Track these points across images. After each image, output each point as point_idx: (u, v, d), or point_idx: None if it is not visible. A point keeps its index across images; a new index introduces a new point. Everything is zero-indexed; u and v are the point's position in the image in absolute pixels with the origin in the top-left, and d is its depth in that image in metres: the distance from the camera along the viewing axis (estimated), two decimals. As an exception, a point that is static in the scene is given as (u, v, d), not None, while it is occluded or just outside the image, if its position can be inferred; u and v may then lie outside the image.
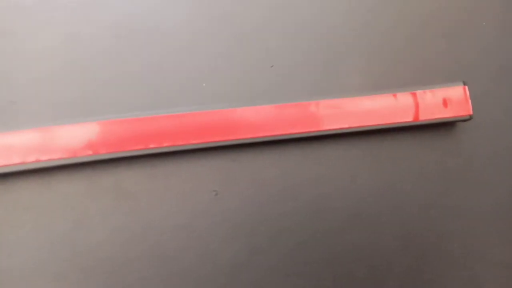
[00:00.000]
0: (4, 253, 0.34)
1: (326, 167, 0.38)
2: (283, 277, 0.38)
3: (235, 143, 0.36)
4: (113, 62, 0.36)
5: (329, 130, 0.36)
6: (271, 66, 0.38)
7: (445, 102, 0.37)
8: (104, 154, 0.33)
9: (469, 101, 0.38)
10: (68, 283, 0.35)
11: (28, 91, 0.35)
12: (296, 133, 0.35)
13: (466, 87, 0.38)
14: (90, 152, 0.33)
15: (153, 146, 0.33)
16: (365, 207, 0.39)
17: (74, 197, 0.35)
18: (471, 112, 0.38)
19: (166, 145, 0.34)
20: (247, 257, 0.37)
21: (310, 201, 0.38)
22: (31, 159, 0.32)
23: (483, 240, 0.41)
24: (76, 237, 0.35)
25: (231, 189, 0.37)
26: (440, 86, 0.38)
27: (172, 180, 0.36)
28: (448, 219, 0.40)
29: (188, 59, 0.37)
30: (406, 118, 0.37)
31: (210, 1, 0.38)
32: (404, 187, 0.40)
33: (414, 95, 0.37)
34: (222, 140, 0.35)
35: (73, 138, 0.33)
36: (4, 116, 0.34)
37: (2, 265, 0.34)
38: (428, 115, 0.37)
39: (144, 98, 0.36)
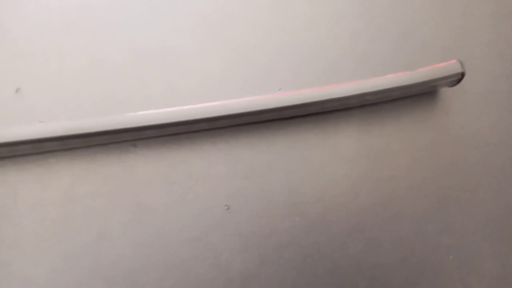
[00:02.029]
0: (31, 263, 0.36)
1: (331, 184, 0.41)
2: (290, 287, 0.40)
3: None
4: (133, 83, 0.38)
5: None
6: (279, 89, 0.40)
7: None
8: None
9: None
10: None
11: (54, 111, 0.37)
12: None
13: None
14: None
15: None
16: (366, 222, 0.41)
17: (97, 211, 0.37)
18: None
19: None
20: (257, 268, 0.39)
21: (315, 216, 0.40)
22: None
23: (476, 253, 0.43)
24: (99, 248, 0.37)
25: (242, 204, 0.39)
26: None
27: (187, 195, 0.38)
28: (443, 233, 0.43)
29: (201, 81, 0.39)
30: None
31: (220, 28, 0.40)
32: (401, 203, 0.42)
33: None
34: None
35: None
36: (32, 133, 0.36)
37: (29, 274, 0.36)
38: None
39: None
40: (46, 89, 0.37)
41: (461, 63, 0.39)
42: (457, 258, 0.43)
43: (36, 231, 0.36)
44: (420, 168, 0.42)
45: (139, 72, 0.38)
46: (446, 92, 0.43)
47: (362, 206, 0.41)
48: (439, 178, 0.43)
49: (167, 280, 0.38)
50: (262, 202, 0.40)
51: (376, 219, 0.41)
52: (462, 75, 0.39)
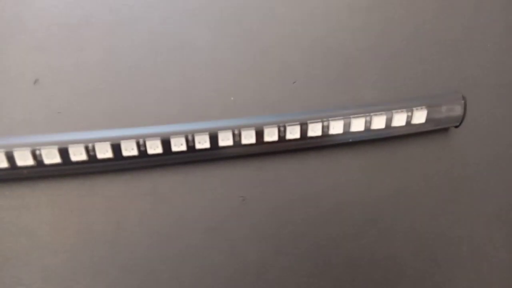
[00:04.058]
0: (50, 252, 0.36)
1: (344, 175, 0.41)
2: (305, 277, 0.41)
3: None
4: (149, 76, 0.38)
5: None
6: (294, 82, 0.40)
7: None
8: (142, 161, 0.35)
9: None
10: (108, 280, 0.37)
11: (72, 102, 0.37)
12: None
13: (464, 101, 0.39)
14: (128, 159, 0.35)
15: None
16: (379, 213, 0.42)
17: (115, 200, 0.37)
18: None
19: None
20: (272, 258, 0.40)
21: (329, 207, 0.41)
22: (75, 164, 0.34)
23: (488, 244, 0.44)
24: (117, 237, 0.37)
25: (257, 195, 0.39)
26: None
27: (204, 186, 0.38)
28: (456, 224, 0.44)
29: (217, 74, 0.39)
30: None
31: (236, 22, 0.39)
32: (414, 195, 0.43)
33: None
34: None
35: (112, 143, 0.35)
36: (52, 125, 0.36)
37: (48, 263, 0.36)
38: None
39: (177, 110, 0.38)
40: (64, 81, 0.37)
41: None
42: (470, 248, 0.44)
43: (55, 221, 0.36)
44: (433, 160, 0.43)
45: (155, 65, 0.38)
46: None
47: (375, 198, 0.42)
48: (451, 170, 0.43)
49: (184, 269, 0.38)
50: (277, 194, 0.40)
51: (389, 210, 0.42)
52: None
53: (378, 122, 0.37)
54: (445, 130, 0.41)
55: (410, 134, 0.39)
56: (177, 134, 0.35)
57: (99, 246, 0.37)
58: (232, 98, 0.39)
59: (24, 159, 0.34)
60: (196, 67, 0.38)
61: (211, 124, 0.36)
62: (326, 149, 0.40)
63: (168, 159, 0.36)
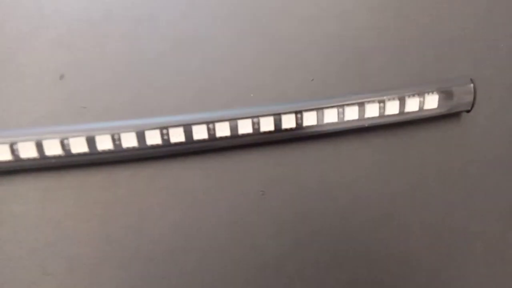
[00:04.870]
0: (74, 242, 0.37)
1: (360, 165, 0.42)
2: (323, 270, 0.41)
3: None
4: (170, 70, 0.39)
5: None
6: (312, 80, 0.41)
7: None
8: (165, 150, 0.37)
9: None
10: (132, 271, 0.38)
11: (97, 97, 0.38)
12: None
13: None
14: (150, 151, 0.36)
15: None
16: (395, 208, 0.42)
17: (138, 193, 0.38)
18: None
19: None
20: (291, 252, 0.40)
21: (346, 202, 0.41)
22: (101, 154, 0.35)
23: (502, 240, 0.44)
24: (140, 229, 0.38)
25: (277, 189, 0.40)
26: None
27: (224, 180, 0.39)
28: (470, 220, 0.44)
29: (236, 70, 0.40)
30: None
31: (254, 19, 0.41)
32: (430, 190, 0.43)
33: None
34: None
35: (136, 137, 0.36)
36: (77, 120, 0.37)
37: (73, 253, 0.37)
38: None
39: (197, 100, 0.40)
40: (88, 75, 0.38)
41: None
42: (483, 245, 0.44)
43: (79, 212, 0.37)
44: (448, 157, 0.43)
45: (176, 60, 0.39)
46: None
47: (392, 193, 0.42)
48: (466, 167, 0.44)
49: (206, 261, 0.38)
50: (296, 188, 0.41)
51: (405, 205, 0.42)
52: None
53: (392, 107, 0.39)
54: (456, 115, 0.42)
55: (423, 119, 0.40)
56: (198, 122, 0.37)
57: (122, 238, 0.38)
58: (251, 95, 0.40)
59: (52, 149, 0.35)
60: (215, 62, 0.40)
61: (231, 112, 0.37)
62: (341, 137, 0.41)
63: (190, 148, 0.37)
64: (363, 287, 0.41)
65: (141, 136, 0.36)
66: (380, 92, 0.39)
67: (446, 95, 0.40)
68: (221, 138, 0.37)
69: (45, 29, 0.38)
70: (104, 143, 0.35)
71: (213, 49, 0.40)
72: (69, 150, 0.35)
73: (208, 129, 0.37)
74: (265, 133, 0.38)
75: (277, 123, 0.37)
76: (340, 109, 0.38)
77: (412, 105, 0.39)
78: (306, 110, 0.38)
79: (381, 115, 0.39)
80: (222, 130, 0.37)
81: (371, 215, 0.42)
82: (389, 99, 0.39)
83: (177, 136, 0.36)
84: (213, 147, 0.38)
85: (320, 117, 0.38)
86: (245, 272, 0.39)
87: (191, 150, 0.37)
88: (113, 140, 0.36)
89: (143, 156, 0.37)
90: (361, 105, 0.38)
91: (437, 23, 0.43)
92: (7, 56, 0.37)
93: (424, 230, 0.43)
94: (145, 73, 0.38)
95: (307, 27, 0.41)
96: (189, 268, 0.38)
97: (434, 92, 0.39)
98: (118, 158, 0.37)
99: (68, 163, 0.36)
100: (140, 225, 0.38)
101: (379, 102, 0.38)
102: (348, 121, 0.38)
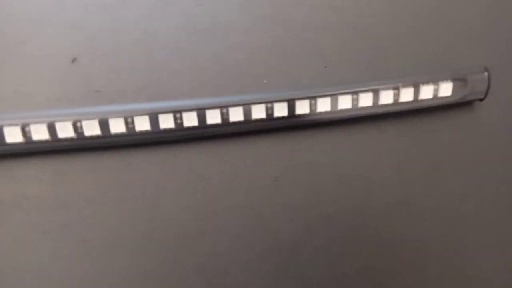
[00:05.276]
0: (87, 227, 0.37)
1: (374, 151, 0.42)
2: (337, 256, 0.41)
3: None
4: (184, 55, 0.39)
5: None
6: (325, 67, 0.41)
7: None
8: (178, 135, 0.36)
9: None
10: (145, 254, 0.38)
11: (110, 81, 0.38)
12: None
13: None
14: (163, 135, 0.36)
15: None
16: (409, 196, 0.42)
17: (151, 177, 0.38)
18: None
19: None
20: (305, 237, 0.40)
21: (360, 189, 0.41)
22: (114, 137, 0.35)
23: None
24: (152, 213, 0.38)
25: (290, 175, 0.40)
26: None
27: (238, 165, 0.39)
28: (483, 209, 0.44)
29: (250, 56, 0.40)
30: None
31: (269, 5, 0.41)
32: (443, 179, 0.43)
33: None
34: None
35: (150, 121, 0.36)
36: (91, 104, 0.37)
37: (86, 237, 0.37)
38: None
39: (211, 85, 0.39)
40: (102, 59, 0.38)
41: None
42: (496, 232, 0.44)
43: (93, 196, 0.37)
44: (460, 144, 0.43)
45: (191, 45, 0.39)
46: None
47: (405, 180, 0.42)
48: (480, 156, 0.44)
49: (219, 245, 0.39)
50: (309, 175, 0.41)
51: (419, 193, 0.43)
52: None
53: (406, 95, 0.38)
54: (469, 103, 0.42)
55: (436, 107, 0.40)
56: (212, 106, 0.36)
57: (136, 221, 0.38)
58: (265, 81, 0.40)
59: (65, 131, 0.35)
60: (230, 47, 0.39)
61: (245, 97, 0.37)
62: (355, 124, 0.41)
63: (203, 132, 0.37)
64: (376, 274, 0.41)
65: (154, 120, 0.36)
66: (394, 79, 0.39)
67: (460, 83, 0.40)
68: (235, 123, 0.37)
69: (59, 13, 0.37)
70: (117, 126, 0.35)
71: (228, 34, 0.39)
72: (82, 133, 0.35)
73: (222, 114, 0.36)
74: (278, 118, 0.37)
75: (291, 108, 0.37)
76: (355, 96, 0.38)
77: (426, 92, 0.39)
78: (320, 96, 0.38)
79: (395, 102, 0.39)
80: (236, 115, 0.37)
81: (384, 202, 0.42)
82: (403, 86, 0.38)
83: (190, 120, 0.36)
84: (227, 132, 0.38)
85: (334, 104, 0.38)
86: (258, 257, 0.39)
87: (205, 134, 0.37)
88: (126, 123, 0.35)
89: (156, 140, 0.37)
90: (376, 92, 0.38)
91: (453, 12, 0.43)
92: (20, 39, 0.36)
93: (437, 217, 0.43)
94: (159, 57, 0.38)
95: (321, 14, 0.41)
96: (202, 252, 0.38)
97: (448, 80, 0.39)
98: (131, 142, 0.36)
99: (81, 146, 0.35)
100: (153, 209, 0.38)
101: (394, 89, 0.38)
102: (362, 108, 0.38)
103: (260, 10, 0.40)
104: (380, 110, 0.39)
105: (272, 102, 0.37)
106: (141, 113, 0.36)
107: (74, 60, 0.38)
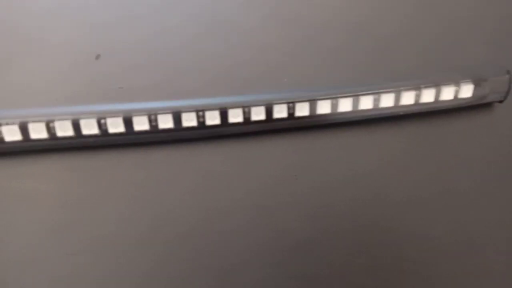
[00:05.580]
0: (98, 223, 0.37)
1: (396, 157, 0.42)
2: (351, 255, 0.41)
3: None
4: (203, 54, 0.39)
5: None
6: (347, 67, 0.41)
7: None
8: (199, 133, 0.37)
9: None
10: (161, 250, 0.38)
11: (132, 77, 0.38)
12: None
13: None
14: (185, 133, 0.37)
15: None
16: (419, 195, 0.42)
17: (172, 174, 0.38)
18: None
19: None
20: (321, 236, 0.40)
21: (379, 188, 0.42)
22: (135, 137, 0.36)
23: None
24: (172, 210, 0.38)
25: (309, 174, 0.40)
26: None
27: (258, 163, 0.40)
28: (493, 208, 0.44)
29: (266, 55, 0.40)
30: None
31: (285, 5, 0.41)
32: (453, 177, 0.43)
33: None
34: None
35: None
36: (114, 99, 0.37)
37: (97, 233, 0.37)
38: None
39: (233, 84, 0.40)
40: (123, 56, 0.38)
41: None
42: (506, 232, 0.44)
43: (111, 193, 0.37)
44: (479, 146, 0.43)
45: (205, 43, 0.39)
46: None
47: (415, 179, 0.42)
48: (499, 157, 0.44)
49: (237, 242, 0.39)
50: (328, 174, 0.41)
51: (429, 192, 0.43)
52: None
53: (427, 96, 0.39)
54: (489, 105, 0.42)
55: (455, 108, 0.40)
56: (234, 105, 0.37)
57: (153, 219, 0.38)
58: (285, 80, 0.40)
59: (89, 128, 0.35)
60: (252, 47, 0.40)
61: (266, 96, 0.37)
62: (376, 124, 0.41)
63: (225, 131, 0.37)
64: (389, 273, 0.41)
65: (177, 118, 0.36)
66: (416, 79, 0.39)
67: (481, 84, 0.40)
68: (256, 122, 0.37)
69: (82, 11, 0.38)
70: (141, 124, 0.35)
71: (249, 34, 0.40)
72: (106, 130, 0.35)
73: (244, 113, 0.37)
74: (299, 118, 0.38)
75: (312, 108, 0.37)
76: (376, 96, 0.38)
77: (447, 93, 0.39)
78: (342, 97, 0.38)
79: (416, 103, 0.39)
80: (257, 114, 0.37)
81: (402, 203, 0.42)
82: (425, 87, 0.38)
83: (213, 118, 0.36)
84: (248, 131, 0.38)
85: (355, 104, 0.38)
86: (274, 254, 0.40)
87: (226, 133, 0.37)
88: (150, 121, 0.36)
89: (178, 137, 0.37)
90: (397, 92, 0.38)
91: (474, 12, 0.43)
92: (44, 36, 0.37)
93: (446, 217, 0.43)
94: (181, 55, 0.38)
95: (342, 14, 0.41)
96: (220, 249, 0.39)
97: (469, 81, 0.39)
98: (154, 139, 0.37)
99: (104, 143, 0.36)
100: (172, 206, 0.38)
101: (415, 89, 0.38)
102: (383, 108, 0.38)
103: (275, 9, 0.41)
104: (401, 111, 0.39)
105: (293, 102, 0.37)
106: (165, 111, 0.36)
107: (98, 56, 0.38)
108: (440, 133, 0.42)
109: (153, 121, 0.36)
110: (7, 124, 0.34)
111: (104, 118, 0.35)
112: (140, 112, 0.35)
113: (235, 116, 0.37)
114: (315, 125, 0.39)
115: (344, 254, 0.41)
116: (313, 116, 0.38)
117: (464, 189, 0.43)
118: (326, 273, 0.40)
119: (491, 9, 0.43)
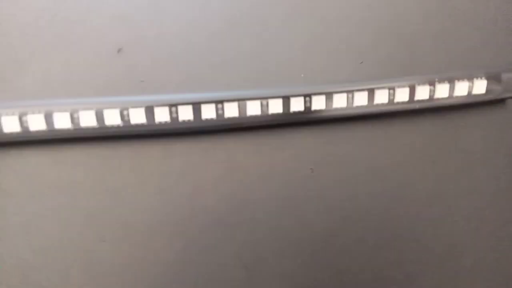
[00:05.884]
0: (131, 211, 0.38)
1: (411, 152, 0.43)
2: (370, 248, 0.42)
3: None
4: (224, 47, 0.40)
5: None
6: (361, 62, 0.42)
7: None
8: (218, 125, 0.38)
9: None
10: (185, 239, 0.39)
11: (155, 71, 0.39)
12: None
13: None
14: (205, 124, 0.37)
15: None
16: (442, 191, 0.43)
17: (193, 165, 0.39)
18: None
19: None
20: (338, 228, 0.41)
21: (395, 182, 0.42)
22: (157, 128, 0.37)
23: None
24: (193, 200, 0.39)
25: (326, 167, 0.41)
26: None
27: (276, 156, 0.40)
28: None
29: (288, 50, 0.41)
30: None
31: (308, 2, 0.42)
32: (476, 175, 0.44)
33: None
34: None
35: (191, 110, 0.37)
36: (135, 93, 0.38)
37: (129, 221, 0.38)
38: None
39: (251, 77, 0.40)
40: (147, 50, 0.39)
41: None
42: None
43: (136, 182, 0.38)
44: (492, 142, 0.44)
45: (232, 38, 0.40)
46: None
47: (438, 176, 0.43)
48: (505, 151, 0.44)
49: (255, 233, 0.40)
50: (345, 167, 0.42)
51: (452, 188, 0.44)
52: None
53: (441, 91, 0.39)
54: (502, 101, 0.43)
55: (469, 104, 0.41)
56: (252, 98, 0.38)
57: (176, 208, 0.39)
58: (302, 75, 0.41)
59: (112, 119, 0.36)
60: (270, 42, 0.40)
61: (284, 89, 0.38)
62: (390, 119, 0.41)
63: (243, 123, 0.38)
64: (408, 267, 0.42)
65: (197, 110, 0.37)
66: (430, 75, 0.40)
67: (494, 80, 0.40)
68: (273, 115, 0.38)
69: (105, 4, 0.38)
70: (161, 115, 0.36)
71: (268, 29, 0.40)
72: (128, 121, 0.36)
73: (262, 105, 0.38)
74: (316, 111, 0.38)
75: (328, 102, 0.38)
76: (391, 91, 0.39)
77: (461, 89, 0.40)
78: (357, 91, 0.39)
79: (431, 98, 0.39)
80: (275, 107, 0.38)
81: (417, 197, 0.43)
82: (439, 82, 0.39)
83: (231, 111, 0.37)
84: (266, 123, 0.39)
85: (370, 98, 0.39)
86: (292, 246, 0.41)
87: (244, 125, 0.38)
88: (170, 113, 0.36)
89: (198, 129, 0.38)
90: (412, 87, 0.39)
91: (487, 9, 0.44)
92: (67, 29, 0.37)
93: (470, 215, 0.44)
94: (201, 49, 0.39)
95: (358, 10, 0.42)
96: (239, 239, 0.39)
97: (483, 77, 0.40)
98: (174, 131, 0.38)
99: (126, 133, 0.37)
100: (194, 196, 0.39)
101: (430, 84, 0.39)
102: (398, 103, 0.39)
103: (299, 6, 0.41)
104: (416, 106, 0.39)
105: (310, 95, 0.38)
106: (185, 103, 0.37)
107: (119, 50, 0.39)
108: (454, 129, 0.43)
109: (173, 113, 0.36)
110: (33, 113, 0.35)
111: (127, 109, 0.36)
112: (161, 103, 0.36)
113: (253, 109, 0.38)
114: (331, 118, 0.39)
115: (362, 247, 0.42)
116: (329, 109, 0.38)
117: (478, 185, 0.44)
118: (344, 265, 0.41)
119: (506, 6, 0.44)
